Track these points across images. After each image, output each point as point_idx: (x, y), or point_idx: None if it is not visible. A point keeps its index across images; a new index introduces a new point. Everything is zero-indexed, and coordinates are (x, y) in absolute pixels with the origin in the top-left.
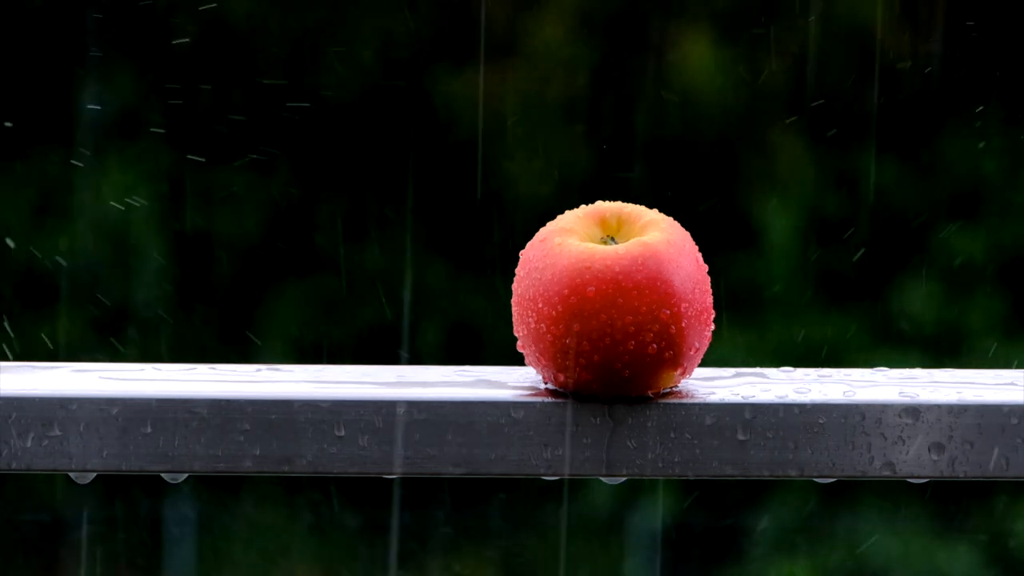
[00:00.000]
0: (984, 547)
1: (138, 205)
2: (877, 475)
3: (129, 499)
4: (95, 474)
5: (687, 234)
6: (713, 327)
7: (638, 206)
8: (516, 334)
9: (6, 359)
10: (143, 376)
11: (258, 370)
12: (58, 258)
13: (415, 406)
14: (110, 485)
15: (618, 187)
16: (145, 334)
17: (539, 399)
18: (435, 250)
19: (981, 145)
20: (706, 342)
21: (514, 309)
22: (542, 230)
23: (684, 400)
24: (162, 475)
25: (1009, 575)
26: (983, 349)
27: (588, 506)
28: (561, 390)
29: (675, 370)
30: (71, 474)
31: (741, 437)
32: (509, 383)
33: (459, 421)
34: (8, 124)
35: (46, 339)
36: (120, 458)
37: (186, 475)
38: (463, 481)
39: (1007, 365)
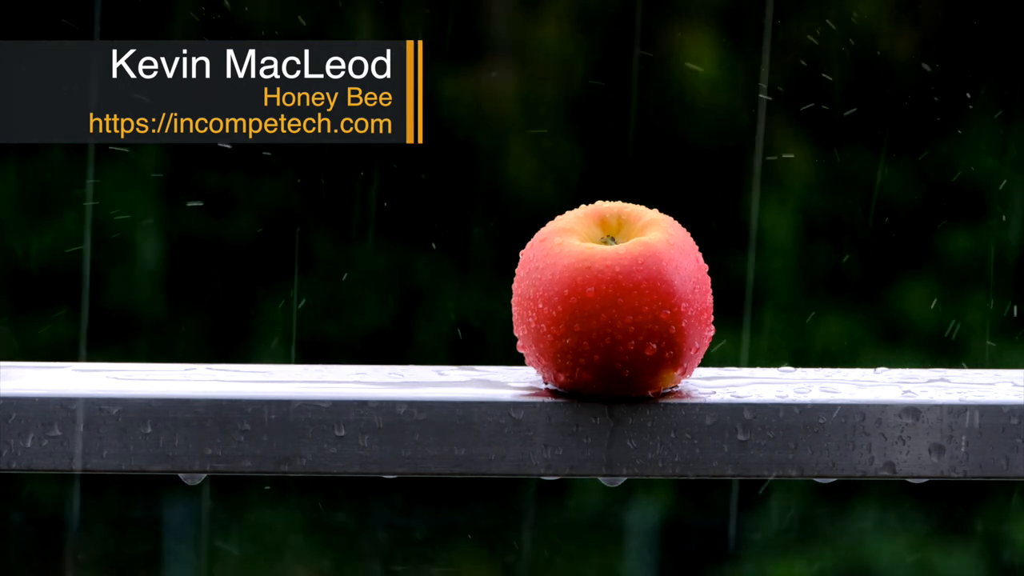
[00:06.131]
0: (983, 548)
1: (136, 205)
2: (877, 475)
3: (129, 499)
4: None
5: (687, 234)
6: (713, 328)
7: (638, 206)
8: (516, 334)
9: (5, 359)
10: (143, 376)
11: (258, 370)
12: (55, 258)
13: (415, 406)
14: (111, 485)
15: (618, 187)
16: (144, 335)
17: (539, 399)
18: (435, 250)
19: (981, 145)
20: (706, 342)
21: (514, 309)
22: (542, 230)
23: (684, 400)
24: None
25: (1008, 575)
26: (983, 349)
27: (586, 506)
28: (561, 390)
29: (675, 370)
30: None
31: (741, 437)
32: (509, 383)
33: (459, 421)
34: None
35: (44, 340)
36: (120, 458)
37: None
38: (462, 480)
39: (1007, 365)
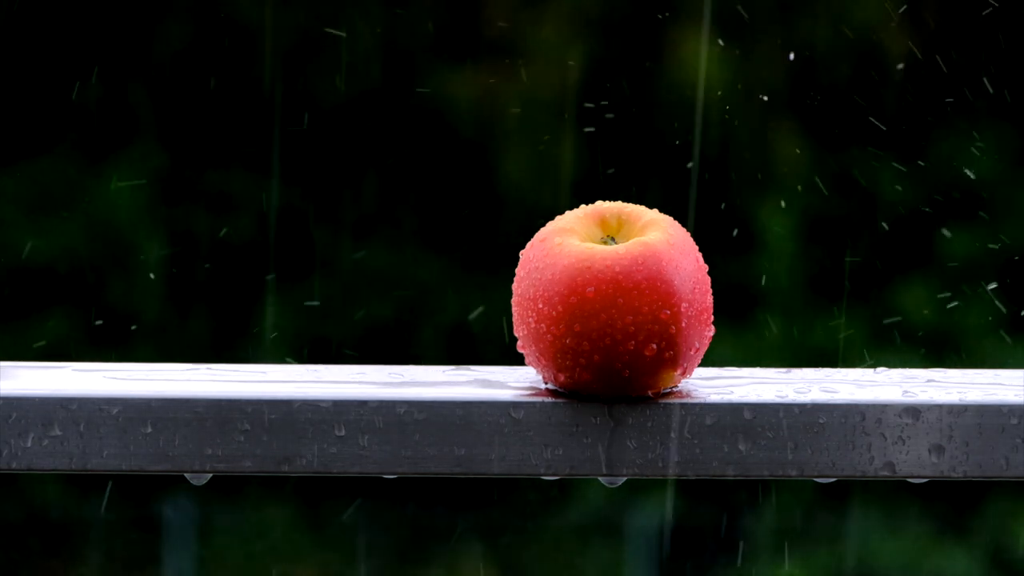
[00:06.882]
0: (983, 547)
1: (136, 205)
2: (877, 475)
3: (129, 499)
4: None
5: (687, 234)
6: (713, 328)
7: (638, 206)
8: (516, 334)
9: (5, 359)
10: (143, 376)
11: (258, 370)
12: (56, 258)
13: (415, 406)
14: (110, 485)
15: (618, 187)
16: (143, 334)
17: (539, 399)
18: (435, 250)
19: (980, 145)
20: (706, 342)
21: (514, 309)
22: (542, 230)
23: (684, 400)
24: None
25: (1008, 575)
26: (983, 349)
27: (587, 506)
28: (561, 390)
29: (675, 370)
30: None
31: (741, 437)
32: (509, 383)
33: (459, 421)
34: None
35: (44, 340)
36: (120, 458)
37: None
38: (463, 481)
39: (1007, 365)
